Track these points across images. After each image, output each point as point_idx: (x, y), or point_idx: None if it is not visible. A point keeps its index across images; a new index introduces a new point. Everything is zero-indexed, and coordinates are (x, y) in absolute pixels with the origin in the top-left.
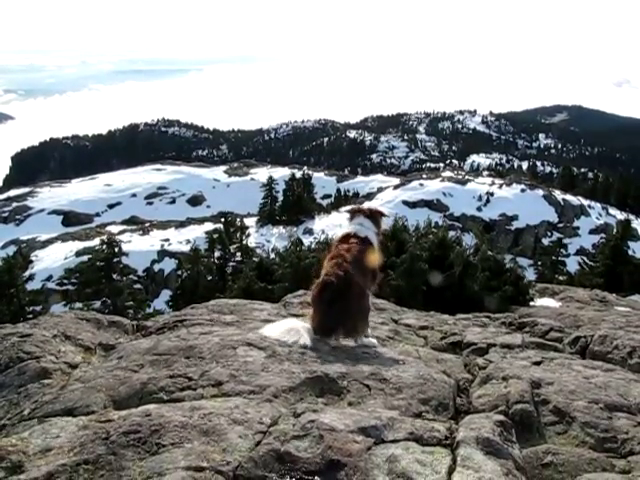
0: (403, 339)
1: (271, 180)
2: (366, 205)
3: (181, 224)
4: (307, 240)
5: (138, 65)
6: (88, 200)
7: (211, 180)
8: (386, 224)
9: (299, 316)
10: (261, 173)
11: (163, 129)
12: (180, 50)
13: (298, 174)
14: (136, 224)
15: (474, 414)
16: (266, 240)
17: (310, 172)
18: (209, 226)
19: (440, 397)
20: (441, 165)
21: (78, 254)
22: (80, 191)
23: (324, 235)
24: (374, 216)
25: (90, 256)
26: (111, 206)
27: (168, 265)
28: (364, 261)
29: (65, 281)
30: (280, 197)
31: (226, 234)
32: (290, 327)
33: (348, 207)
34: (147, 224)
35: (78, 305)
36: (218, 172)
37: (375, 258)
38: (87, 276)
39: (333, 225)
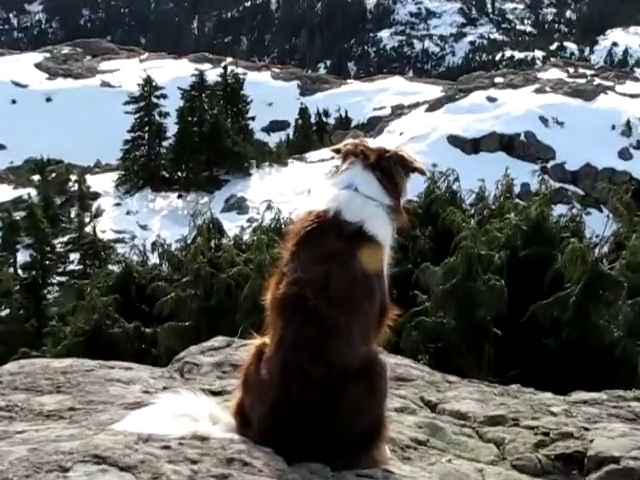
0: (449, 446)
1: (150, 88)
2: (372, 142)
3: None
4: (234, 225)
5: None
6: None
7: (8, 84)
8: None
9: (216, 394)
10: (126, 69)
11: None
12: None
13: (213, 73)
14: None
15: None
16: (139, 224)
17: (241, 70)
18: (5, 192)
19: None
20: (539, 55)
21: None
22: None
23: (272, 214)
24: (386, 169)
25: None
26: None
27: None
28: (362, 300)
29: None
30: (171, 129)
31: (45, 210)
32: (186, 411)
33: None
34: None
35: None
36: (26, 65)
37: (384, 276)
38: None
39: (292, 190)
